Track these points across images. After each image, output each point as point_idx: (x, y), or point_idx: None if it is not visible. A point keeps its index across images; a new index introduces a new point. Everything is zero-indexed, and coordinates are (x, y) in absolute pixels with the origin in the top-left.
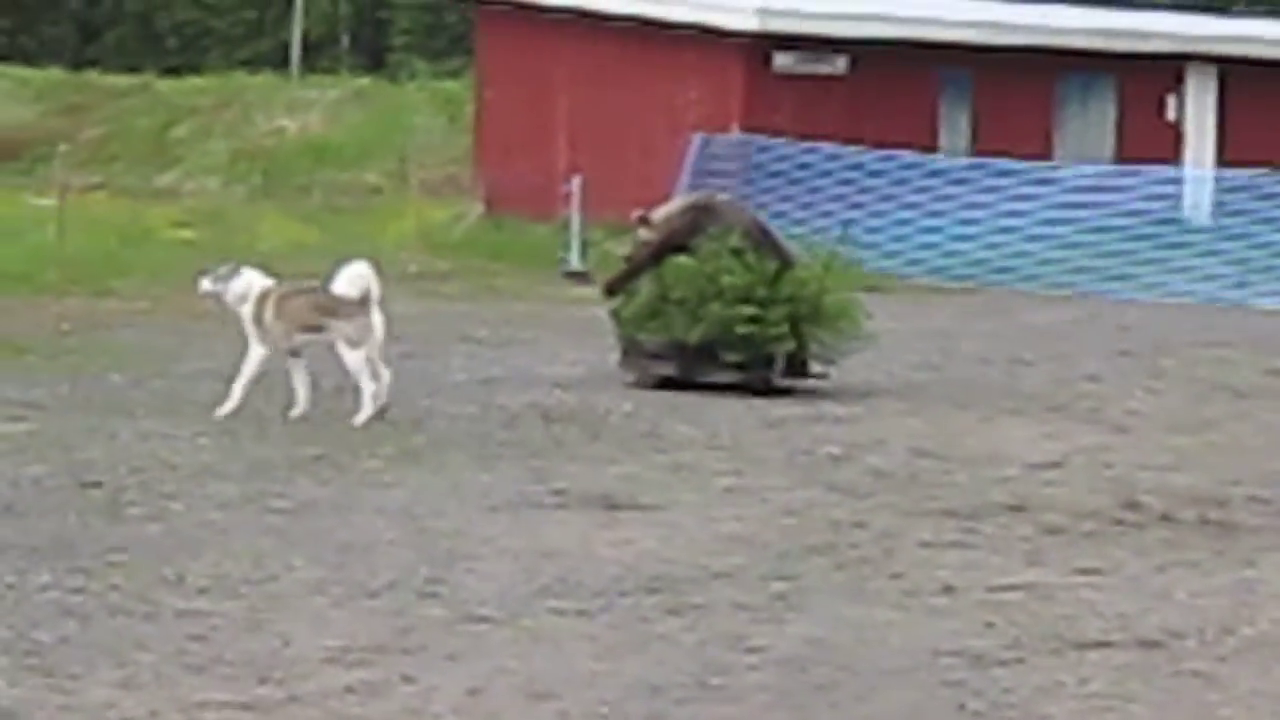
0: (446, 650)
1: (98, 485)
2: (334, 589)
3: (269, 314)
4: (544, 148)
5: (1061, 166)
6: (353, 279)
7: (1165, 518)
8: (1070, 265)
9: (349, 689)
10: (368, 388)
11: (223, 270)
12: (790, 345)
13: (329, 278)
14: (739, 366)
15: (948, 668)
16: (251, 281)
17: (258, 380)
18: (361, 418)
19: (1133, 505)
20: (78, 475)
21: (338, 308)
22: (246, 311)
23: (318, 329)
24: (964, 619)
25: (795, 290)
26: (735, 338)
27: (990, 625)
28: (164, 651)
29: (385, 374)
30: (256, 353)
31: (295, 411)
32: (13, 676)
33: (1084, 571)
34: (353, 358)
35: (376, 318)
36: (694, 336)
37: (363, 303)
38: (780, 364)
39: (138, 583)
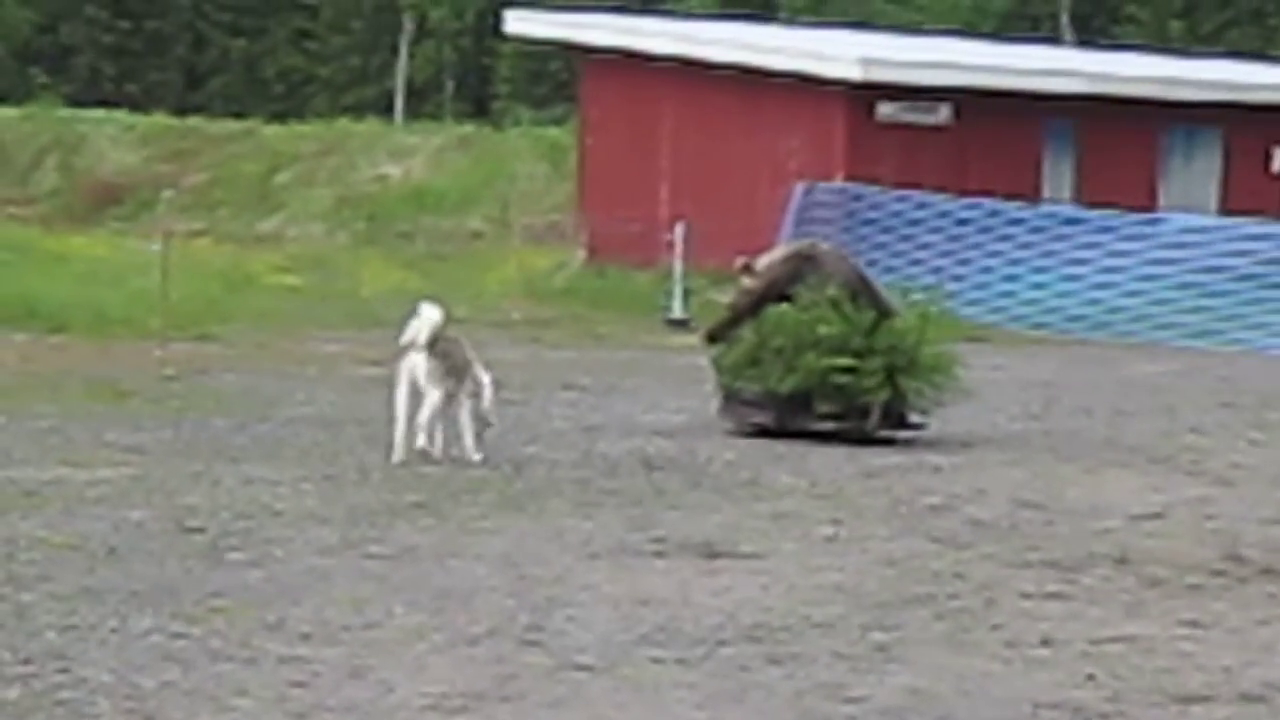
0: (547, 698)
1: (200, 530)
2: (434, 636)
3: None
4: (647, 195)
5: (1164, 217)
6: (413, 322)
7: (1268, 571)
8: (1173, 317)
9: None
10: (397, 426)
11: None
12: (885, 396)
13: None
14: (834, 417)
15: None
16: None
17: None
18: (394, 457)
19: (1235, 558)
20: (180, 520)
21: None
22: None
23: None
24: (1065, 671)
25: (892, 341)
26: (830, 388)
27: (1091, 678)
28: (264, 698)
29: (433, 431)
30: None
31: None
32: None
33: (1186, 624)
34: (395, 395)
35: (412, 359)
36: (787, 386)
37: (408, 345)
38: (876, 415)
39: (239, 628)
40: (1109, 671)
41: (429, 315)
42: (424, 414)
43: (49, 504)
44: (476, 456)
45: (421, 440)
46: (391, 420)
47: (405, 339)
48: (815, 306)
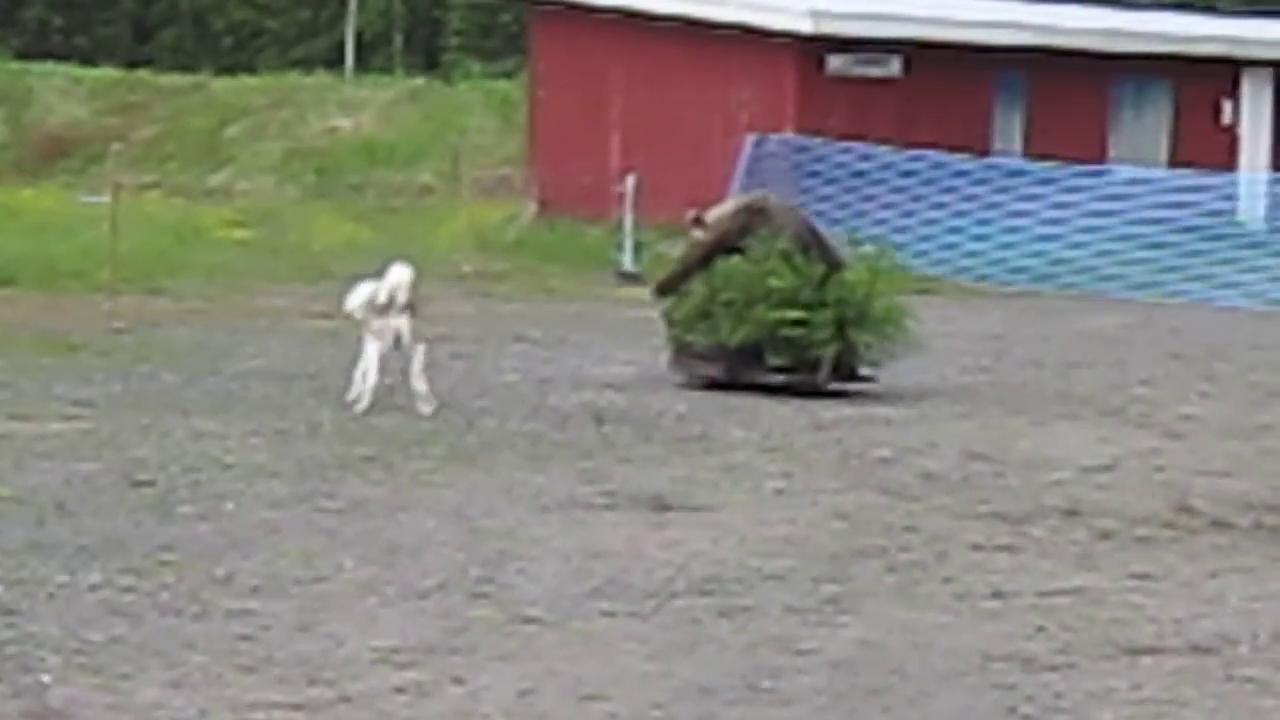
0: (497, 651)
1: (149, 484)
2: (384, 589)
3: None
4: (597, 148)
5: (1114, 169)
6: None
7: (1218, 523)
8: (1123, 269)
9: (399, 690)
10: (368, 379)
11: None
12: (835, 349)
13: (379, 274)
14: (784, 370)
15: (999, 672)
16: None
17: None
18: (359, 406)
19: (1185, 510)
20: (129, 474)
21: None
22: None
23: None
24: (1015, 623)
25: (842, 294)
26: (780, 341)
27: (1041, 629)
28: (214, 651)
29: (416, 385)
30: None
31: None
32: (63, 675)
33: (1136, 576)
34: (369, 350)
35: (396, 322)
36: (737, 339)
37: (387, 306)
38: (826, 367)
39: (188, 582)
40: (1059, 623)
41: (400, 276)
42: (419, 379)
43: None
44: (427, 409)
45: (425, 407)
46: (344, 375)
47: (382, 300)
48: (766, 259)
